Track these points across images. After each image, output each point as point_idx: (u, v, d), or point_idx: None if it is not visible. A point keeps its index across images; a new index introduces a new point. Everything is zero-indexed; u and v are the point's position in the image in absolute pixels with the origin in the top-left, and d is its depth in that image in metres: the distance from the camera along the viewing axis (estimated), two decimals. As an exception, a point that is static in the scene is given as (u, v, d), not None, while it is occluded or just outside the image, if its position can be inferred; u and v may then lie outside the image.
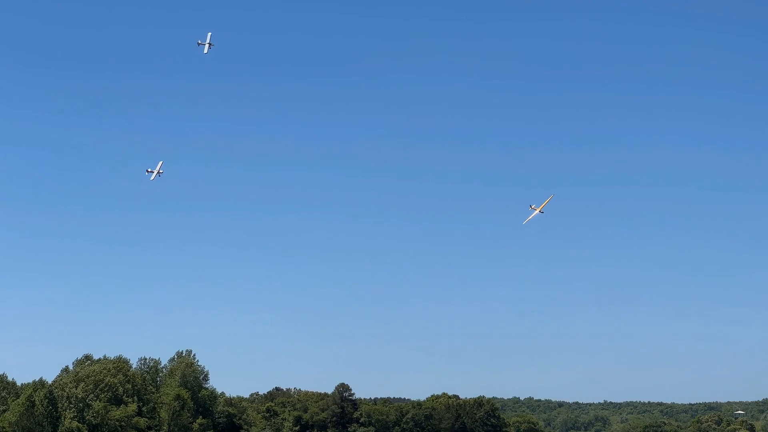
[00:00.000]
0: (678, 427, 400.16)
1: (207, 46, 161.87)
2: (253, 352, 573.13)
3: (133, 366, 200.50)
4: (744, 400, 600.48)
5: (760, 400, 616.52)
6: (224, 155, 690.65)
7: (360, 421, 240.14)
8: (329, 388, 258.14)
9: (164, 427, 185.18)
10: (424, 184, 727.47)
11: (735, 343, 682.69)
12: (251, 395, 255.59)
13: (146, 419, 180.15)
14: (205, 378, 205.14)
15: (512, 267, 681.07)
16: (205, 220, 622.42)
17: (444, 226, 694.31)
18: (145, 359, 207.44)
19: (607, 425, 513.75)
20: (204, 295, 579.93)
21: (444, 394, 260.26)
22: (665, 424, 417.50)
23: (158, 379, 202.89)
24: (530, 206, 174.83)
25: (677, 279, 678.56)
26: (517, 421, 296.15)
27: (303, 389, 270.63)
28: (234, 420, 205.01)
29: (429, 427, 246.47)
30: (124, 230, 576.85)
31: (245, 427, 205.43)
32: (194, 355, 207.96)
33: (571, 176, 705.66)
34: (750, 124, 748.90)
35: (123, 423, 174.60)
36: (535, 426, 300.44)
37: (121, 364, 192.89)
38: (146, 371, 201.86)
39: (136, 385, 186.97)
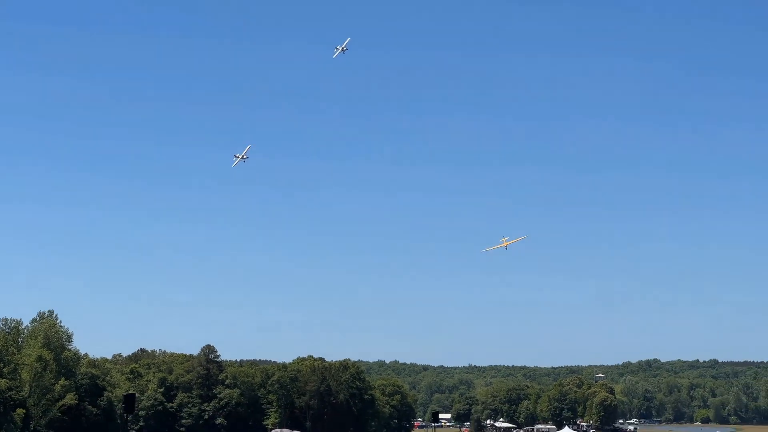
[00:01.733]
0: (540, 390, 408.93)
1: (341, 50, 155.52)
2: (118, 313, 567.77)
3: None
4: (604, 364, 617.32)
5: (620, 363, 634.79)
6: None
7: (225, 383, 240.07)
8: (195, 350, 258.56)
9: (25, 389, 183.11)
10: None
11: (596, 309, 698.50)
12: (114, 356, 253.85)
13: (7, 380, 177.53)
14: (69, 339, 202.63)
15: (381, 233, 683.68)
16: (67, 176, 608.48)
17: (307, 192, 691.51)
18: (6, 320, 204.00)
19: (471, 388, 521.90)
20: (67, 256, 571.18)
21: (310, 356, 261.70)
22: (528, 387, 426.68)
23: (20, 340, 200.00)
24: (503, 237, 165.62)
25: (540, 246, 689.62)
26: (382, 384, 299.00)
27: (168, 351, 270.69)
28: (97, 381, 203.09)
29: (294, 389, 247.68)
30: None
31: (109, 388, 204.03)
32: (56, 315, 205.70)
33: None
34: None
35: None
36: (400, 389, 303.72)
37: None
38: (7, 332, 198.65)
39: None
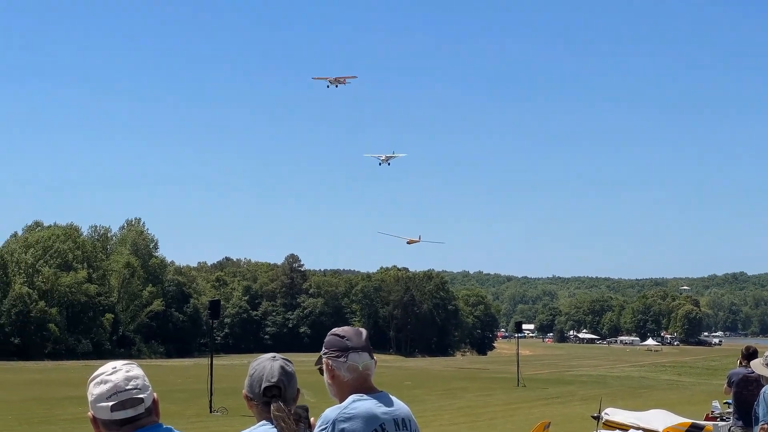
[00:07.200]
0: (624, 301, 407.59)
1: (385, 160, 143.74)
2: (203, 221, 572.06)
3: (84, 233, 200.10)
4: (690, 276, 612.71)
5: (706, 276, 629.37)
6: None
7: (309, 292, 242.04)
8: (279, 259, 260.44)
9: (114, 295, 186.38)
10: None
11: (682, 220, 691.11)
12: (199, 264, 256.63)
13: (96, 286, 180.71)
14: (155, 246, 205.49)
15: (481, 135, 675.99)
16: (153, 81, 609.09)
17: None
18: (96, 227, 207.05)
19: (554, 299, 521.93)
20: (153, 163, 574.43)
21: (394, 266, 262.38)
22: (611, 298, 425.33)
23: (108, 247, 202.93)
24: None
25: (623, 157, 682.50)
26: (466, 295, 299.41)
27: (252, 260, 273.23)
28: (183, 288, 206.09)
29: (378, 298, 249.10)
30: (72, 98, 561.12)
31: (194, 295, 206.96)
32: (144, 223, 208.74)
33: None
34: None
35: (73, 289, 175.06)
36: (483, 299, 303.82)
37: (71, 231, 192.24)
38: (96, 239, 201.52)
39: (86, 252, 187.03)
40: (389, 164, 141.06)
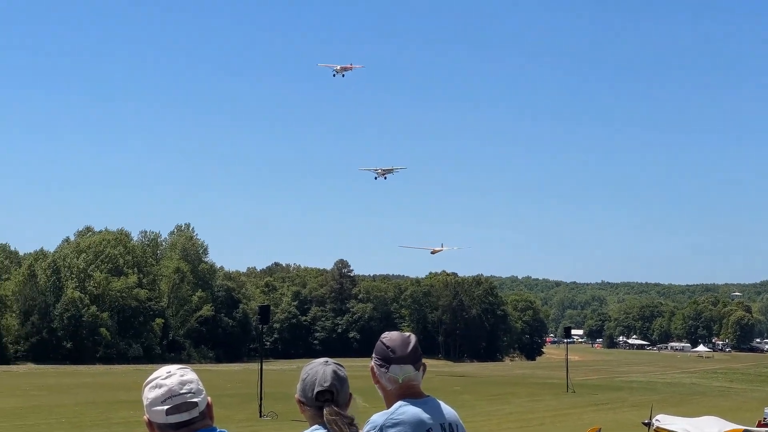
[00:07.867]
0: (674, 308, 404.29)
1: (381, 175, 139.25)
2: (252, 227, 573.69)
3: (134, 239, 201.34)
4: (741, 282, 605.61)
5: (758, 282, 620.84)
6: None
7: (358, 298, 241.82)
8: (328, 264, 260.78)
9: (164, 300, 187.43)
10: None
11: (734, 225, 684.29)
12: (249, 270, 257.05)
13: (146, 291, 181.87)
14: (205, 252, 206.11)
15: (517, 145, 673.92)
16: (205, 88, 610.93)
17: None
18: (146, 232, 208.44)
19: (603, 305, 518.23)
20: (203, 169, 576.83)
21: (443, 271, 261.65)
22: (662, 304, 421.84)
23: (158, 252, 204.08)
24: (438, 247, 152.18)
25: (673, 163, 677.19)
26: (515, 300, 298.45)
27: (302, 265, 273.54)
28: (233, 294, 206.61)
29: (427, 303, 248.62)
30: (124, 105, 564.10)
31: (244, 300, 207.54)
32: (193, 228, 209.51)
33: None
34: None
35: (124, 294, 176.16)
36: (532, 304, 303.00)
37: (121, 236, 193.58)
38: (147, 244, 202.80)
39: (136, 257, 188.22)
40: (386, 178, 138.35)
